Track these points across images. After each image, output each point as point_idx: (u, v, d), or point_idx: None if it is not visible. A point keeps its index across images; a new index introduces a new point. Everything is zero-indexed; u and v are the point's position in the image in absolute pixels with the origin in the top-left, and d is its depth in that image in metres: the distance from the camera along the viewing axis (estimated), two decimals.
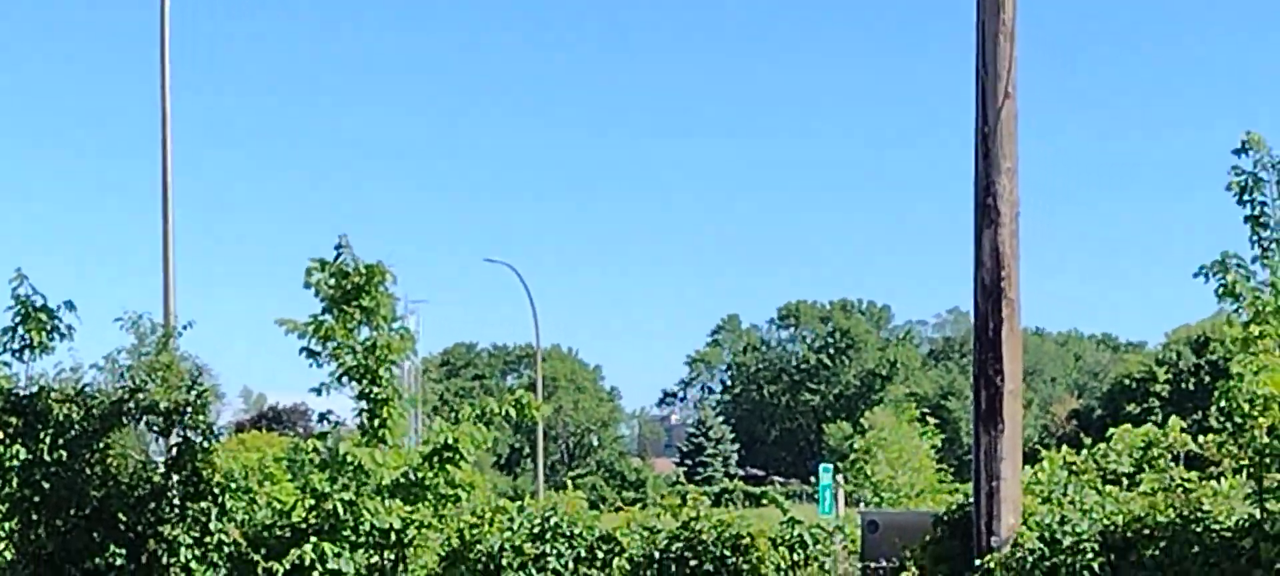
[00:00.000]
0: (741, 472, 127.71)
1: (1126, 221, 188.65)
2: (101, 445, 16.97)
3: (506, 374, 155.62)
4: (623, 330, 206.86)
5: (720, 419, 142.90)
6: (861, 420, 32.61)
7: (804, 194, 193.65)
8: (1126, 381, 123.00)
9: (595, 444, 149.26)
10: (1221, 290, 14.16)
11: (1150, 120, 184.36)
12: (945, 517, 14.69)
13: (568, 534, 16.07)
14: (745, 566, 15.29)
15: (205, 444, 17.04)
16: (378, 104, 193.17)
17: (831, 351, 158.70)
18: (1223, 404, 14.01)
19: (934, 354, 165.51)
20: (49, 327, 17.16)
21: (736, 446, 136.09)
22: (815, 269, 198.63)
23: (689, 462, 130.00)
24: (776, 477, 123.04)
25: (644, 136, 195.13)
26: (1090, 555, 13.54)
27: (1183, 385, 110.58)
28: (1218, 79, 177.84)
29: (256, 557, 15.94)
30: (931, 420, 31.04)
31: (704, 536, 15.60)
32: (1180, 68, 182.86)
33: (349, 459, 16.01)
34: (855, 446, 31.38)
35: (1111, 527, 13.78)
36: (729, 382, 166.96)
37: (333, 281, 16.27)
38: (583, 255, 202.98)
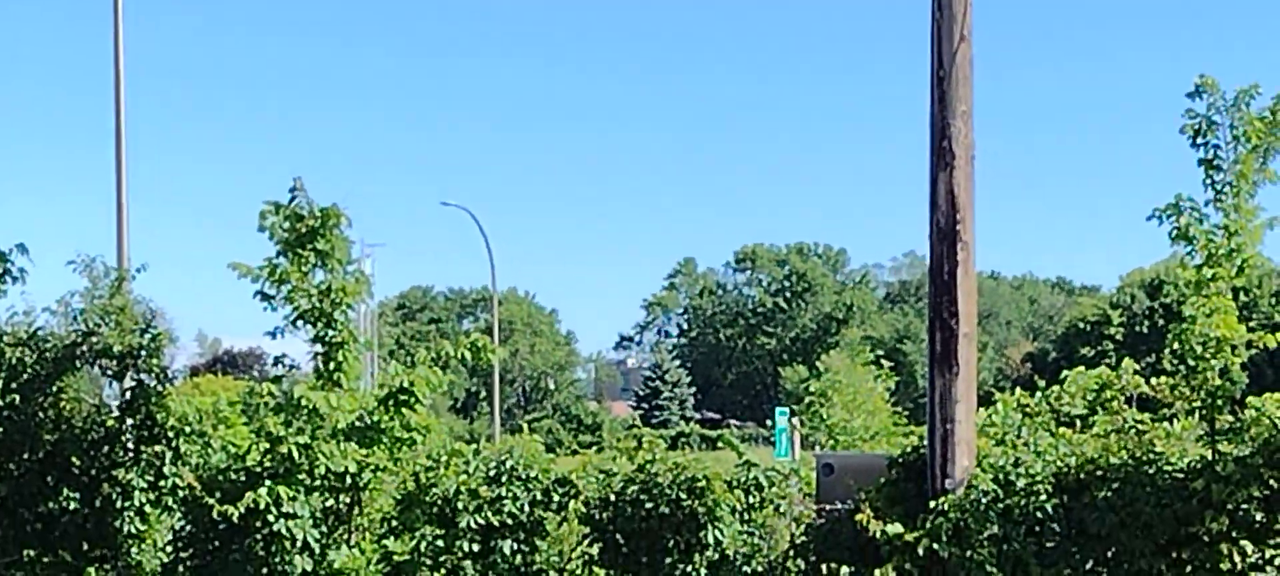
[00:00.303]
0: (697, 416, 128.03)
1: (1081, 165, 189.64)
2: (54, 389, 16.88)
3: (463, 317, 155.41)
4: (579, 274, 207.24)
5: (676, 362, 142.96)
6: (817, 363, 32.58)
7: (761, 137, 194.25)
8: (1081, 324, 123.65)
9: (551, 387, 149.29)
10: (1175, 233, 14.19)
11: (1105, 62, 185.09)
12: (900, 460, 14.71)
13: (523, 477, 16.05)
14: (701, 509, 15.29)
15: (159, 387, 16.96)
16: (334, 44, 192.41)
17: (788, 295, 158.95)
18: (1176, 346, 14.10)
19: (890, 297, 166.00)
20: (0, 271, 17.05)
21: (692, 390, 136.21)
22: (772, 212, 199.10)
23: (645, 406, 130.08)
24: (732, 421, 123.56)
25: (601, 78, 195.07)
26: (1044, 496, 13.62)
27: (1136, 328, 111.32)
28: (1172, 19, 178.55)
29: (211, 501, 15.86)
30: (886, 363, 31.12)
31: (660, 479, 15.58)
32: (1134, 7, 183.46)
33: (304, 402, 15.96)
34: (811, 389, 31.40)
35: (1065, 469, 13.86)
36: (685, 326, 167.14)
37: (287, 224, 16.17)
38: (539, 198, 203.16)
